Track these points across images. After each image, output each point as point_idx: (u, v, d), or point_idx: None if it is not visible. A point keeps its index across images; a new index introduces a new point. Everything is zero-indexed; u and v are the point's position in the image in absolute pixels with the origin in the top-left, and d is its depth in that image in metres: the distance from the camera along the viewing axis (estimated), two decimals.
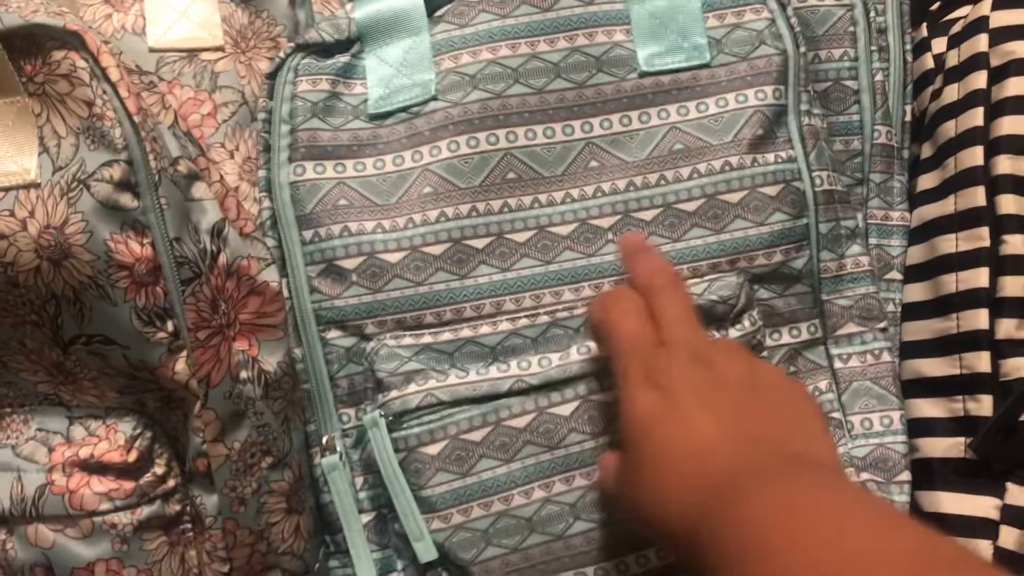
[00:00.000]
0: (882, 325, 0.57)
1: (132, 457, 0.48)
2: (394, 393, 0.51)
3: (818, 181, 0.56)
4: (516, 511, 0.51)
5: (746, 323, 0.53)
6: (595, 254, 0.54)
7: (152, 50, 0.54)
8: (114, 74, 0.44)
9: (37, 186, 0.45)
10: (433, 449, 0.51)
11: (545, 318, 0.53)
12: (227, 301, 0.49)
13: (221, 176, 0.51)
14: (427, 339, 0.53)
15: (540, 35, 0.55)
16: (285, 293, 0.54)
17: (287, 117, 0.54)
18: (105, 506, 0.48)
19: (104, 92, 0.44)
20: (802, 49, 0.57)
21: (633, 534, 0.51)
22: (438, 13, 0.55)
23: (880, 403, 0.56)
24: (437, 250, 0.53)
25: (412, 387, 0.51)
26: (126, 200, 0.44)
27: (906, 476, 0.55)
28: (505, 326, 0.53)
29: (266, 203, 0.54)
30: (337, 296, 0.53)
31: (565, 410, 0.51)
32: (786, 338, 0.56)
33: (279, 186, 0.53)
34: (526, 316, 0.53)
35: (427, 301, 0.53)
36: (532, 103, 0.54)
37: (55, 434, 0.49)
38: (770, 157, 0.55)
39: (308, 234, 0.54)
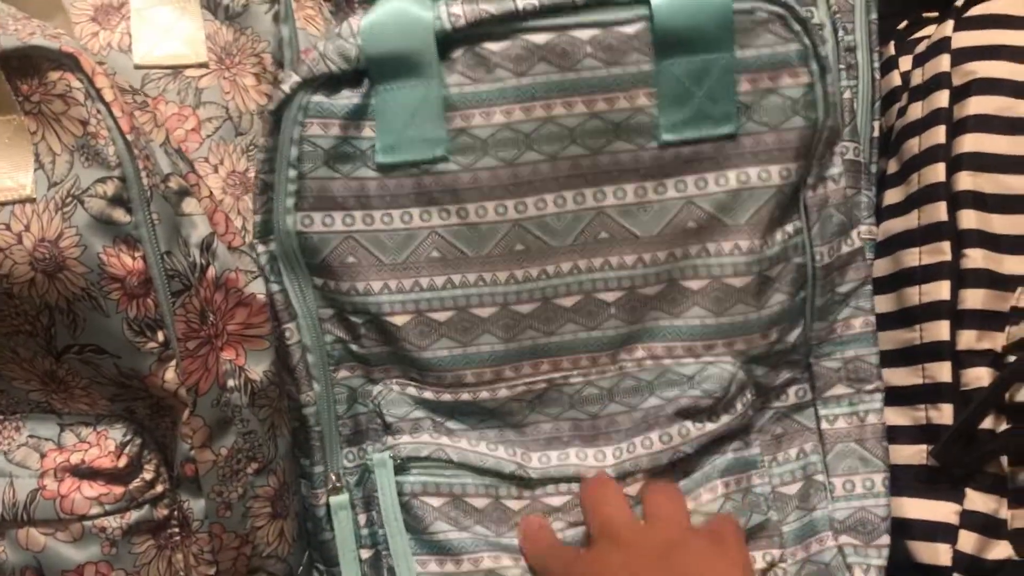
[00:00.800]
0: (871, 387, 0.51)
1: (122, 463, 0.46)
2: (405, 438, 0.49)
3: (819, 257, 0.49)
4: (504, 571, 0.48)
5: (738, 407, 0.49)
6: (596, 328, 0.49)
7: (137, 67, 0.50)
8: (108, 95, 0.41)
9: (33, 201, 0.42)
10: (435, 502, 0.48)
11: (542, 384, 0.49)
12: (215, 312, 0.46)
13: (210, 192, 0.47)
14: (428, 395, 0.50)
15: (557, 97, 0.46)
16: (297, 337, 0.49)
17: (295, 161, 0.47)
18: (95, 510, 0.45)
19: (98, 112, 0.41)
20: (830, 122, 0.48)
21: None
22: (452, 55, 0.47)
23: (864, 465, 0.51)
24: (442, 317, 0.49)
25: (424, 437, 0.49)
26: (119, 215, 0.42)
27: (885, 540, 0.51)
28: (504, 393, 0.49)
29: (261, 248, 0.48)
30: (349, 341, 0.50)
31: (556, 502, 0.49)
32: (775, 404, 0.52)
33: (284, 233, 0.48)
34: (524, 384, 0.49)
35: (430, 365, 0.49)
36: (544, 171, 0.47)
37: (46, 440, 0.46)
38: (778, 237, 0.48)
39: (319, 281, 0.49)
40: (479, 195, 0.47)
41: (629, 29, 0.46)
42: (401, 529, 0.48)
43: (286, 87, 0.46)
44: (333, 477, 0.50)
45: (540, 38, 0.46)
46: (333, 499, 0.50)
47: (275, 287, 0.49)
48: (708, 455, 0.49)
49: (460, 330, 0.48)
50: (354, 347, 0.49)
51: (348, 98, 0.47)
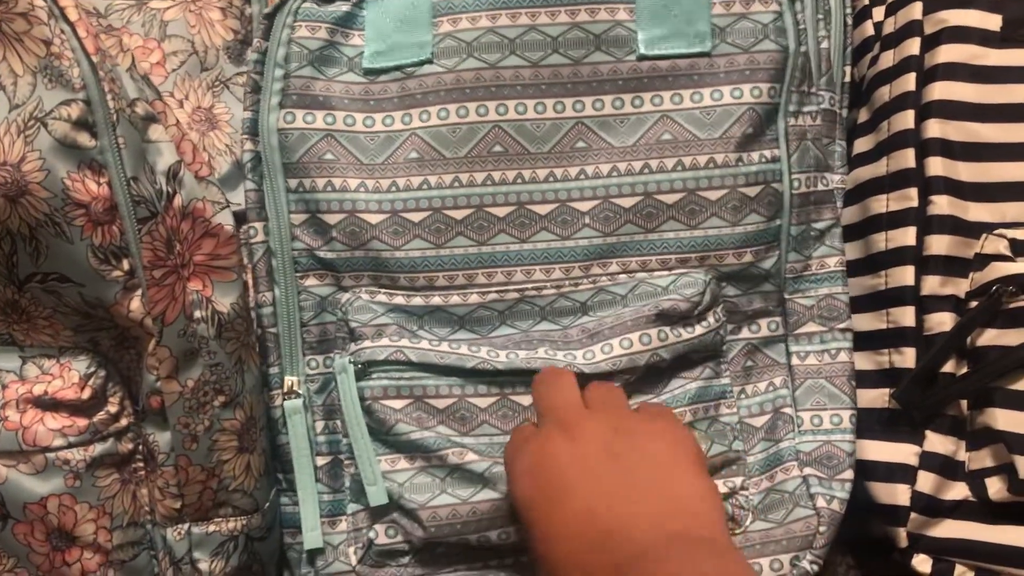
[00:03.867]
0: (843, 325, 0.53)
1: (86, 395, 0.46)
2: (366, 343, 0.50)
3: (796, 184, 0.52)
4: (470, 466, 0.49)
5: (710, 319, 0.52)
6: (569, 237, 0.51)
7: None
8: (72, 14, 0.41)
9: None
10: (397, 404, 0.50)
11: (514, 294, 0.51)
12: (182, 242, 0.46)
13: (177, 120, 0.47)
14: (399, 300, 0.51)
15: (542, 6, 0.50)
16: (261, 236, 0.51)
17: (282, 61, 0.50)
18: (58, 442, 0.46)
19: (62, 32, 0.41)
20: (803, 48, 0.52)
21: None
22: None
23: (832, 401, 0.54)
24: (417, 217, 0.50)
25: (384, 340, 0.50)
26: (84, 139, 0.42)
27: (849, 475, 0.53)
28: (475, 298, 0.51)
29: (248, 145, 0.51)
30: (318, 248, 0.51)
31: (525, 401, 0.51)
32: (746, 333, 0.54)
33: (267, 130, 0.50)
34: (496, 291, 0.51)
35: (402, 266, 0.51)
36: (526, 76, 0.50)
37: (8, 372, 0.46)
38: (755, 156, 0.51)
39: (293, 183, 0.51)
40: (461, 96, 0.50)
41: None
42: (364, 432, 0.50)
43: None
44: (290, 381, 0.52)
45: None
46: (287, 403, 0.52)
47: (251, 185, 0.52)
48: (679, 376, 0.52)
49: (434, 231, 0.50)
50: (322, 253, 0.51)
51: (339, 7, 0.51)
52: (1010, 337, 0.51)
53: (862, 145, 0.59)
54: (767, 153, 0.51)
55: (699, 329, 0.51)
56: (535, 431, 0.44)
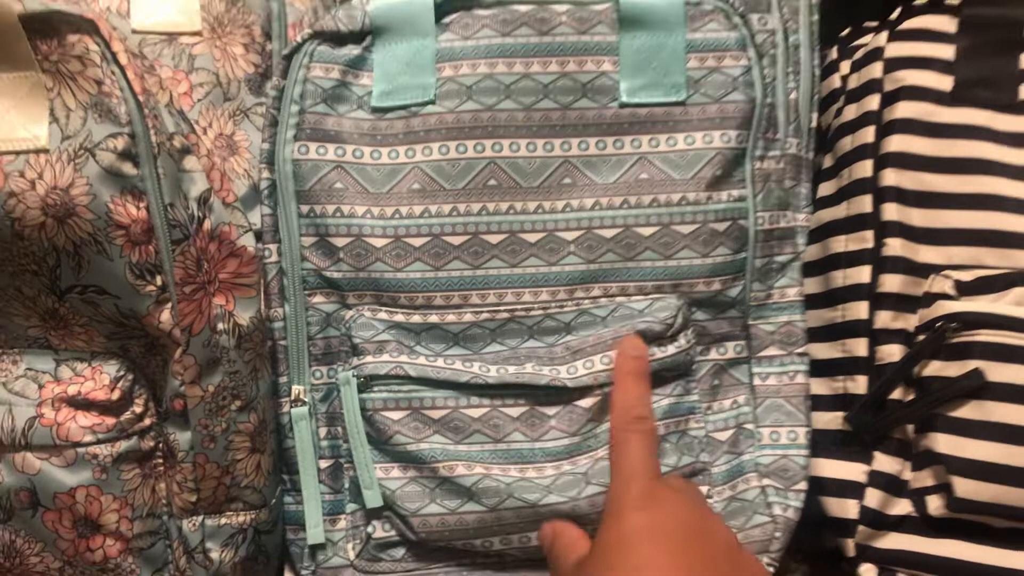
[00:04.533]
0: (800, 350, 0.57)
1: (115, 396, 0.50)
2: (368, 359, 0.54)
3: (760, 221, 0.56)
4: (458, 479, 0.53)
5: (682, 340, 0.55)
6: (556, 263, 0.54)
7: (135, 32, 0.55)
8: (123, 58, 0.45)
9: (46, 152, 0.45)
10: (395, 415, 0.54)
11: (505, 314, 0.55)
12: (209, 261, 0.49)
13: (208, 151, 0.50)
14: (399, 318, 0.55)
15: (535, 56, 0.53)
16: (275, 257, 0.55)
17: (297, 98, 0.53)
18: (88, 438, 0.49)
19: (113, 73, 0.45)
20: (768, 99, 0.56)
21: (561, 515, 0.52)
22: (446, 20, 0.54)
23: (789, 419, 0.57)
24: (417, 242, 0.54)
25: (385, 356, 0.54)
26: (127, 168, 0.46)
27: (803, 486, 0.57)
28: (469, 317, 0.55)
29: (265, 173, 0.54)
30: (325, 268, 0.55)
31: (513, 412, 0.54)
32: (714, 355, 0.57)
33: (282, 160, 0.53)
34: (488, 311, 0.55)
35: (403, 286, 0.54)
36: (519, 119, 0.53)
37: (44, 373, 0.50)
38: (723, 195, 0.55)
39: (305, 208, 0.54)
40: (460, 134, 0.54)
41: (598, 6, 0.54)
42: (364, 441, 0.54)
43: (299, 38, 0.54)
44: (297, 390, 0.55)
45: (523, 7, 0.54)
46: (294, 410, 0.56)
47: (267, 210, 0.55)
48: (652, 392, 0.55)
49: (433, 255, 0.54)
50: (329, 273, 0.55)
51: (350, 50, 0.54)
52: (952, 369, 0.54)
53: (825, 189, 0.62)
54: (734, 193, 0.55)
55: (671, 349, 0.54)
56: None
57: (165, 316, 0.49)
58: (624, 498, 0.44)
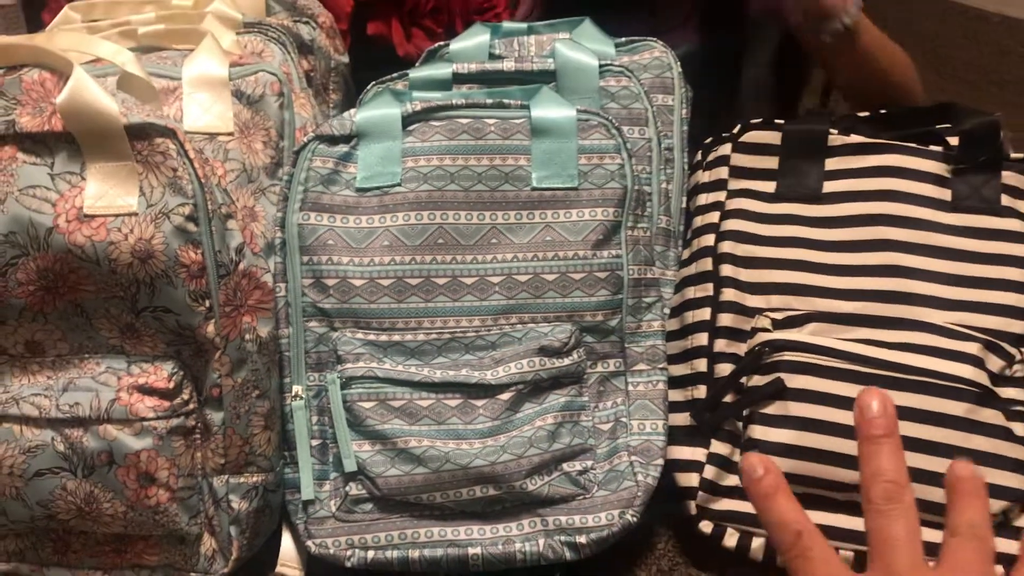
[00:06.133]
0: (662, 366, 0.71)
1: (171, 386, 0.63)
2: (349, 365, 0.68)
3: (632, 272, 0.71)
4: (411, 450, 0.66)
5: (575, 356, 0.69)
6: (485, 299, 0.69)
7: (187, 132, 0.65)
8: (191, 153, 0.61)
9: (136, 214, 0.60)
10: (367, 405, 0.68)
11: (448, 335, 0.69)
12: (242, 291, 0.64)
13: (242, 216, 0.66)
14: (372, 337, 0.69)
15: (472, 154, 0.70)
16: (283, 292, 0.69)
17: (303, 181, 0.70)
18: (150, 416, 0.63)
19: (184, 163, 0.60)
20: (637, 187, 0.72)
21: (484, 475, 0.65)
22: (409, 128, 0.71)
23: (651, 415, 0.71)
24: (386, 283, 0.69)
25: (360, 364, 0.68)
26: (191, 227, 0.61)
27: (660, 461, 0.69)
28: (422, 337, 0.69)
29: (278, 234, 0.70)
30: (319, 301, 0.69)
31: (452, 403, 0.68)
32: (599, 368, 0.71)
33: (291, 224, 0.69)
34: (436, 333, 0.69)
35: (375, 314, 0.69)
36: (460, 197, 0.69)
37: (120, 370, 0.64)
38: (604, 253, 0.70)
39: (305, 259, 0.69)
40: (419, 206, 0.70)
41: (517, 121, 0.72)
42: (344, 425, 0.68)
43: (304, 138, 0.71)
44: (297, 389, 0.70)
45: (464, 120, 0.72)
46: (294, 403, 0.70)
47: (279, 259, 0.71)
48: (553, 392, 0.70)
49: (396, 292, 0.70)
50: (322, 305, 0.70)
51: (341, 148, 0.72)
52: (766, 380, 0.66)
53: (683, 254, 0.77)
54: (613, 251, 0.71)
55: (567, 361, 0.69)
56: None
57: (211, 328, 0.63)
58: None
